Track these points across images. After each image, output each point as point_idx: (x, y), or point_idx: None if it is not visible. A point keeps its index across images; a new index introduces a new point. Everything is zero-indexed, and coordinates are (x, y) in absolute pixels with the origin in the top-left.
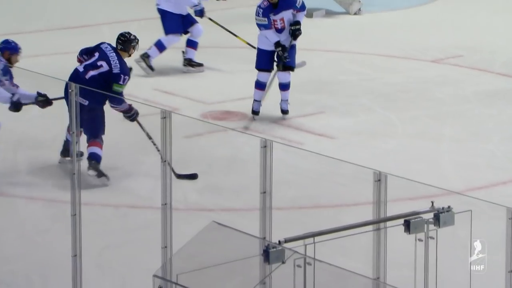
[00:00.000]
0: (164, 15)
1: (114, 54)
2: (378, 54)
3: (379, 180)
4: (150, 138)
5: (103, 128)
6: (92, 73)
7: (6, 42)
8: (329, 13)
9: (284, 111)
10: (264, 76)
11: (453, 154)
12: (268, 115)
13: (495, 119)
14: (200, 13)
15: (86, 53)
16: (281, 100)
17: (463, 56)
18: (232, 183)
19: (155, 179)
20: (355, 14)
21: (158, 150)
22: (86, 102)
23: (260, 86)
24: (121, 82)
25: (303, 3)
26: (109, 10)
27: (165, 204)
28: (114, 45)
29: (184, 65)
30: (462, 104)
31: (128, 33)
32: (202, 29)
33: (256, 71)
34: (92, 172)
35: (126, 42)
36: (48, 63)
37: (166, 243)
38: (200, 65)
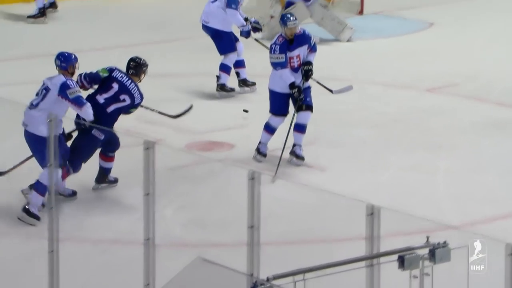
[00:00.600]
0: (218, 34)
1: (133, 84)
2: (371, 82)
3: (372, 214)
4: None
5: (85, 161)
6: (114, 107)
7: (64, 56)
8: (321, 40)
9: (300, 157)
10: (277, 121)
11: (449, 187)
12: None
13: (492, 150)
14: (247, 34)
15: (92, 80)
16: (295, 144)
17: (459, 85)
18: (218, 217)
19: (137, 212)
20: (347, 41)
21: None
22: (102, 136)
23: (271, 130)
24: (139, 107)
25: (315, 43)
26: (91, 37)
27: (148, 239)
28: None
29: (240, 86)
30: (458, 135)
31: (139, 58)
32: (243, 47)
33: (244, 102)
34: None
35: (137, 67)
36: (29, 91)
37: (148, 281)
38: (254, 84)
